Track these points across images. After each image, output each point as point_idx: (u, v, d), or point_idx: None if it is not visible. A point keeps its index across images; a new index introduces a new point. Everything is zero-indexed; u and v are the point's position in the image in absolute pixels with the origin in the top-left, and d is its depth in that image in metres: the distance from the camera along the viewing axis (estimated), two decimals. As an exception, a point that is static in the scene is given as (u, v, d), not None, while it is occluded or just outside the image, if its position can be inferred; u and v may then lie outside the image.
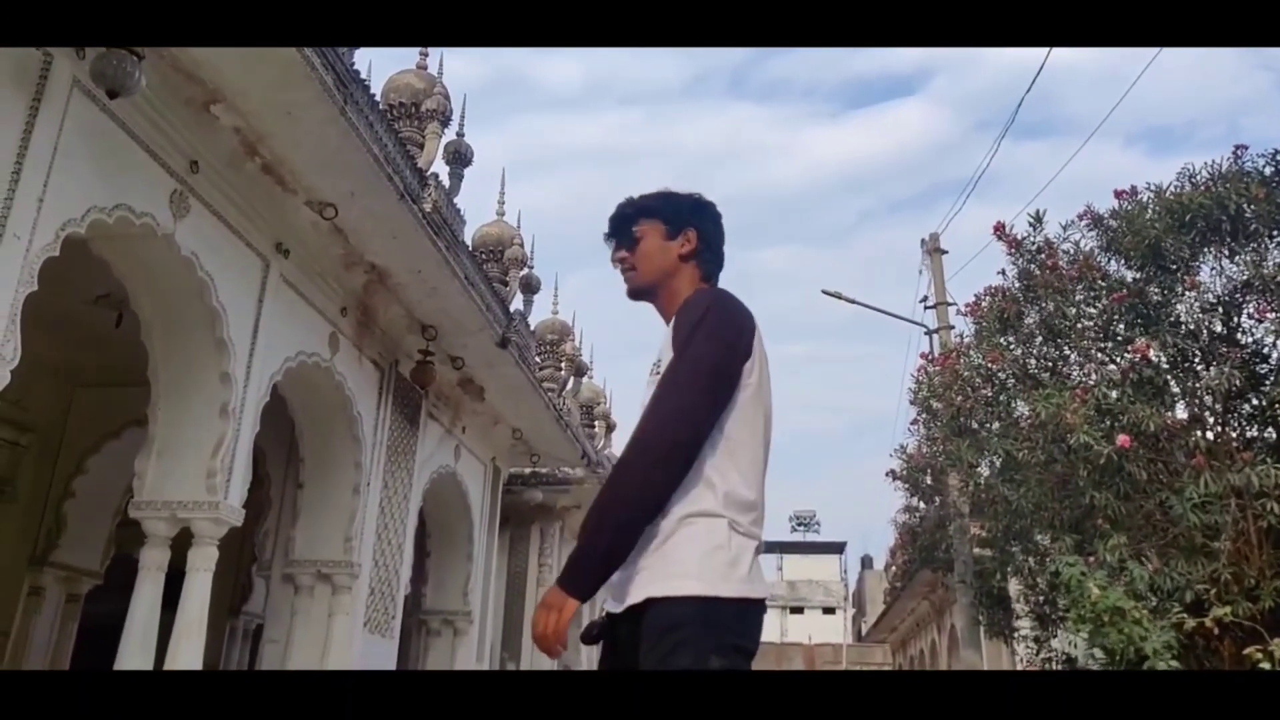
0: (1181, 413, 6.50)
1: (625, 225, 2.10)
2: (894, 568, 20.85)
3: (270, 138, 5.12)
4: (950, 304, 11.93)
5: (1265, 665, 5.02)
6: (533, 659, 11.35)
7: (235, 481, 5.44)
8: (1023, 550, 8.23)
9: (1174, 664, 5.21)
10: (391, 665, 7.76)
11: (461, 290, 6.85)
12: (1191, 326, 6.52)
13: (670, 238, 2.06)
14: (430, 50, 7.26)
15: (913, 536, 13.86)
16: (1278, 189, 6.30)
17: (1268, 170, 6.41)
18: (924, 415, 9.33)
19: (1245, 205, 6.23)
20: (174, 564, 5.32)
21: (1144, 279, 6.70)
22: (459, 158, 7.40)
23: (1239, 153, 6.55)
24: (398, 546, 7.74)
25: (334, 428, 6.97)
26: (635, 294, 2.11)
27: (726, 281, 2.11)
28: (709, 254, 2.09)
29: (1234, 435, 6.52)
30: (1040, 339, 7.36)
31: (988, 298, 7.68)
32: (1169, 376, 6.48)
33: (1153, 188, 6.73)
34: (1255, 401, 6.58)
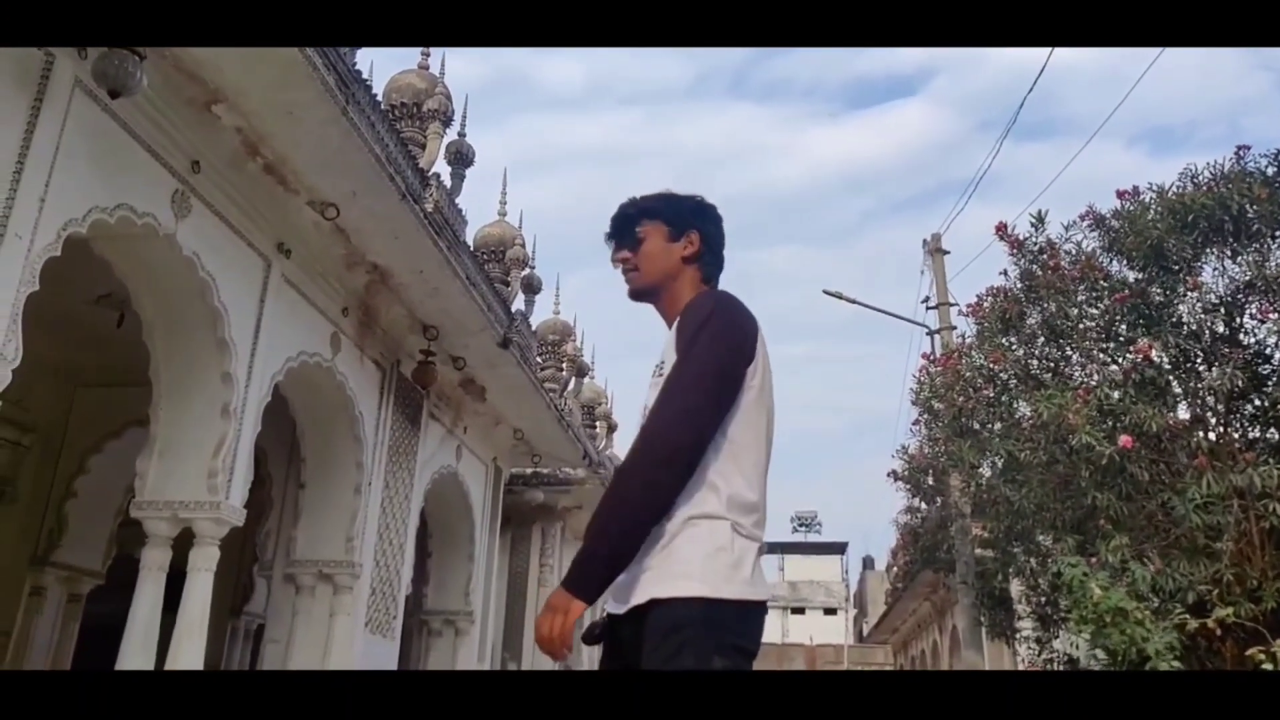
0: (1184, 413, 6.48)
1: (628, 226, 2.10)
2: (895, 568, 20.82)
3: (272, 138, 5.13)
4: (952, 304, 11.91)
5: (1268, 666, 5.01)
6: (534, 659, 11.35)
7: (237, 481, 5.45)
8: (1024, 551, 8.23)
9: (1176, 665, 5.20)
10: (393, 665, 7.77)
11: (463, 290, 6.86)
12: (1194, 327, 6.52)
13: (673, 239, 2.06)
14: (432, 50, 7.28)
15: (914, 537, 13.83)
16: (1280, 189, 6.30)
17: (1270, 170, 6.40)
18: (925, 416, 9.33)
19: (1248, 205, 6.22)
20: (175, 564, 5.32)
21: (1146, 279, 6.69)
22: (460, 158, 7.40)
23: (1241, 153, 6.55)
24: (399, 547, 7.74)
25: (335, 428, 6.97)
26: (637, 295, 2.11)
27: (727, 281, 2.12)
28: (710, 256, 2.09)
29: (1236, 436, 6.52)
30: (1042, 339, 7.35)
31: (989, 298, 7.67)
32: (1171, 377, 6.48)
33: (1155, 188, 6.73)
34: (1258, 402, 6.58)
